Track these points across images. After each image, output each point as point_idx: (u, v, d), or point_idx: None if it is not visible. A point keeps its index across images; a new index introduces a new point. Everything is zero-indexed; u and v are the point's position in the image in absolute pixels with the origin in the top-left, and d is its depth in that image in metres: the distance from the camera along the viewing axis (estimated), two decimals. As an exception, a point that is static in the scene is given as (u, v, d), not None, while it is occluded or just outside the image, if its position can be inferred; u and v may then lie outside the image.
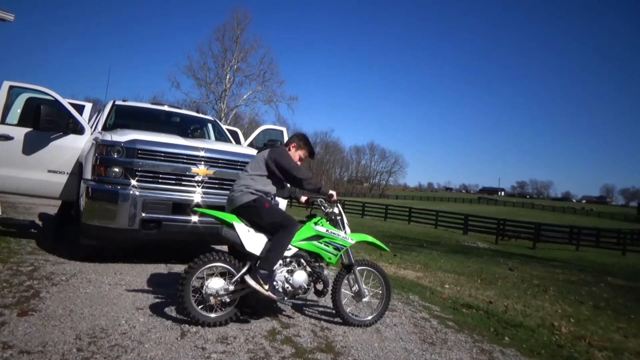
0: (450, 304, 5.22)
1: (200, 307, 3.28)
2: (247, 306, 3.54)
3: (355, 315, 3.81)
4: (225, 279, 3.33)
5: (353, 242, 3.74)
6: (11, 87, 5.57)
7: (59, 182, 5.49)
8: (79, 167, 5.32)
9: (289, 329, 3.49)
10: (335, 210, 3.77)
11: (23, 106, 5.77)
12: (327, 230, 3.64)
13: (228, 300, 3.32)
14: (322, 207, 3.84)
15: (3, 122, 5.41)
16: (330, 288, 3.72)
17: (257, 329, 3.39)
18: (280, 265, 3.47)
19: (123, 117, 6.33)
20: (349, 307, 3.86)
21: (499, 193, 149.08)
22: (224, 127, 7.41)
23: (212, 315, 3.30)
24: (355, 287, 3.81)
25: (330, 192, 3.69)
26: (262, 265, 3.32)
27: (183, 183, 4.80)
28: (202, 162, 4.86)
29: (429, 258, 10.65)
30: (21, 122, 5.51)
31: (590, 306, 6.56)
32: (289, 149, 3.80)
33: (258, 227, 3.44)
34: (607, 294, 8.19)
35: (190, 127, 7.07)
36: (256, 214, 3.41)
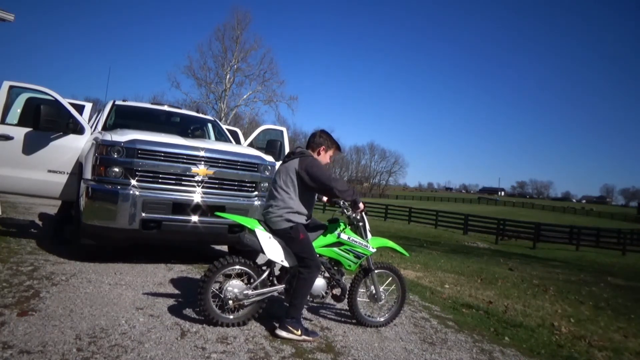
0: (450, 304, 5.22)
1: (219, 308, 3.32)
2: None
3: (370, 317, 3.82)
4: (244, 281, 3.34)
5: (374, 250, 3.70)
6: (11, 87, 5.57)
7: (59, 182, 5.49)
8: (79, 167, 5.32)
9: (289, 329, 3.49)
10: (358, 216, 3.72)
11: (23, 106, 5.77)
12: (349, 238, 3.60)
13: (247, 303, 3.35)
14: (345, 210, 3.78)
15: (3, 122, 5.41)
16: (347, 293, 3.71)
17: (257, 329, 3.39)
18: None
19: (123, 117, 6.33)
20: (363, 307, 3.87)
21: (499, 193, 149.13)
22: (224, 127, 7.41)
23: (231, 316, 3.35)
24: (372, 290, 3.80)
25: (361, 204, 3.63)
26: (290, 313, 3.29)
27: (183, 183, 4.80)
28: (202, 162, 4.86)
29: (429, 258, 10.65)
30: (21, 122, 5.51)
31: (590, 306, 6.56)
32: (318, 153, 3.59)
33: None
34: (607, 294, 8.19)
35: (190, 127, 7.07)
36: (290, 241, 3.37)
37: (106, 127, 5.81)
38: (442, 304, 5.09)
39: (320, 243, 3.52)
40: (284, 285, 3.45)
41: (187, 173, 4.80)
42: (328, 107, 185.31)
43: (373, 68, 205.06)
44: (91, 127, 5.94)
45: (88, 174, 4.75)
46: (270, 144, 6.53)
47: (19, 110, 5.73)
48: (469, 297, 5.98)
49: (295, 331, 3.23)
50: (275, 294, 3.47)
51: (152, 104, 7.11)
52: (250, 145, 6.98)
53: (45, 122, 5.20)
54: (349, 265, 3.62)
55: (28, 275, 4.15)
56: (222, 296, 3.27)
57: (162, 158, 4.71)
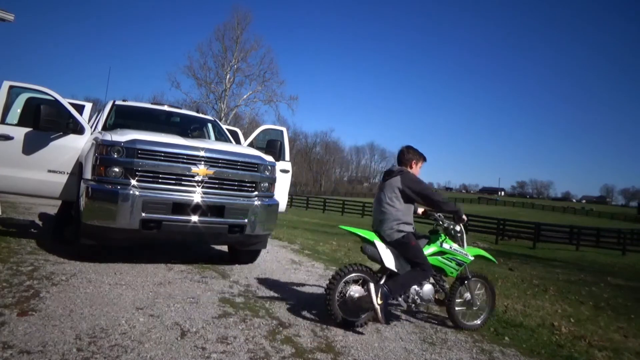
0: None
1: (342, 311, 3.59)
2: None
3: (466, 321, 4.05)
4: (363, 287, 3.62)
5: (472, 258, 4.02)
6: (11, 87, 5.57)
7: (59, 182, 5.49)
8: (79, 167, 5.32)
9: (289, 329, 3.49)
10: (458, 228, 4.01)
11: (23, 106, 5.77)
12: (451, 247, 3.93)
13: (366, 306, 3.54)
14: (441, 222, 4.08)
15: (3, 122, 5.41)
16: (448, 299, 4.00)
17: (257, 329, 3.39)
18: None
19: (123, 117, 6.33)
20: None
21: (499, 193, 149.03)
22: (224, 127, 7.41)
23: (353, 318, 3.60)
24: (467, 297, 4.07)
25: (464, 216, 3.98)
26: (392, 286, 3.58)
27: (183, 183, 4.80)
28: (202, 162, 4.86)
29: (429, 258, 10.65)
30: (21, 122, 5.51)
31: (590, 306, 6.56)
32: (411, 167, 3.95)
33: (396, 250, 3.76)
34: (607, 294, 8.19)
35: (190, 127, 7.07)
36: (404, 249, 3.71)
37: (106, 127, 5.81)
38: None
39: (424, 252, 3.81)
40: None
41: (187, 173, 4.80)
42: (328, 107, 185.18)
43: (373, 68, 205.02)
44: (91, 127, 5.94)
45: (88, 174, 4.75)
46: (270, 144, 6.53)
47: (19, 110, 5.73)
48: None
49: (378, 299, 3.44)
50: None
51: (152, 104, 7.11)
52: (250, 145, 6.98)
53: (45, 122, 5.20)
54: (451, 272, 3.94)
55: (28, 275, 4.15)
56: (345, 300, 3.58)
57: (162, 158, 4.71)
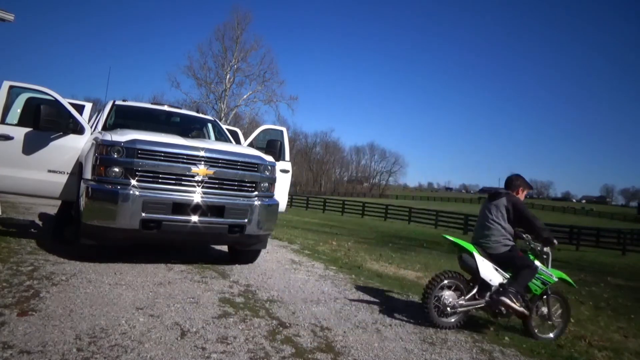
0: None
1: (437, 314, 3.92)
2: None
3: (539, 334, 4.18)
4: (455, 292, 3.97)
5: (556, 279, 4.25)
6: (11, 87, 5.57)
7: (59, 182, 5.49)
8: (79, 167, 5.33)
9: (289, 329, 3.50)
10: (545, 249, 4.25)
11: (23, 106, 5.77)
12: (539, 268, 4.17)
13: (458, 311, 3.96)
14: (528, 242, 4.34)
15: (3, 122, 5.41)
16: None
17: (257, 329, 3.39)
18: None
19: (123, 117, 6.33)
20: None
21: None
22: (224, 127, 7.41)
23: (446, 319, 3.93)
24: (544, 311, 4.24)
25: (555, 241, 4.25)
26: (513, 285, 3.99)
27: (183, 183, 4.80)
28: (202, 162, 4.86)
29: (429, 258, 10.65)
30: (21, 122, 5.51)
31: (590, 306, 6.55)
32: (517, 193, 4.34)
33: (497, 262, 4.12)
34: (607, 294, 8.18)
35: (190, 127, 7.08)
36: (510, 260, 4.11)
37: (106, 127, 5.81)
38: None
39: None
40: (484, 301, 4.02)
41: (187, 173, 4.80)
42: (328, 107, 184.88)
43: (373, 68, 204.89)
44: (91, 127, 5.94)
45: (88, 174, 4.75)
46: (270, 144, 6.53)
47: (19, 110, 5.73)
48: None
49: (516, 302, 3.92)
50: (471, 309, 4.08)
51: (152, 104, 7.11)
52: (250, 145, 6.98)
53: (45, 122, 5.20)
54: (535, 290, 4.18)
55: (28, 275, 4.15)
56: (440, 304, 3.91)
57: (162, 158, 4.71)
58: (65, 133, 5.52)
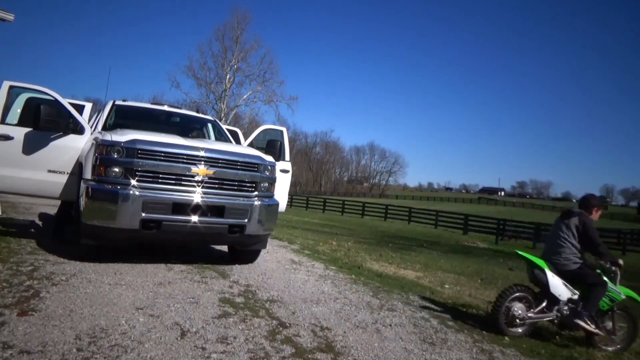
0: (451, 304, 5.22)
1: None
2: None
3: (603, 346, 4.24)
4: (524, 304, 4.17)
5: (624, 297, 4.36)
6: (11, 87, 5.57)
7: (59, 182, 5.49)
8: (79, 167, 5.32)
9: (289, 329, 3.50)
10: (613, 268, 4.35)
11: (23, 106, 5.77)
12: (608, 285, 4.29)
13: (526, 323, 4.13)
14: (597, 262, 4.46)
15: (3, 122, 5.41)
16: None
17: (257, 329, 3.39)
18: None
19: (123, 117, 6.33)
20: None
21: (499, 193, 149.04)
22: (224, 127, 7.41)
23: (512, 329, 4.08)
24: (609, 325, 4.34)
25: (621, 261, 4.38)
26: (586, 308, 4.14)
27: (183, 183, 4.79)
28: (202, 162, 4.86)
29: (429, 258, 10.65)
30: (21, 122, 5.51)
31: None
32: (591, 213, 4.43)
33: (566, 278, 4.26)
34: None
35: (190, 127, 7.07)
36: (581, 277, 4.25)
37: (106, 127, 5.81)
38: (442, 304, 5.09)
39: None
40: (554, 314, 4.20)
41: (187, 173, 4.80)
42: (328, 107, 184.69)
43: (373, 68, 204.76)
44: (91, 127, 5.94)
45: (88, 174, 4.75)
46: (270, 144, 6.53)
47: (19, 110, 5.73)
48: (469, 297, 5.97)
49: (590, 324, 4.07)
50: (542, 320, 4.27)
51: (152, 104, 7.11)
52: (250, 145, 6.98)
53: (45, 122, 5.20)
54: (603, 306, 4.29)
55: (28, 275, 4.15)
56: (509, 314, 4.09)
57: (162, 158, 4.71)
58: (65, 133, 5.52)
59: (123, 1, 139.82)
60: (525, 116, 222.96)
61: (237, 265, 5.67)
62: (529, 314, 4.13)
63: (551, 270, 4.24)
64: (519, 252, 4.59)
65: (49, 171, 5.45)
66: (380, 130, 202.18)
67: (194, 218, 4.75)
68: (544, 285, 4.21)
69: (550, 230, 4.64)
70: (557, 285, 4.20)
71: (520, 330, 4.12)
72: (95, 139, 4.88)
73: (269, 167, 5.37)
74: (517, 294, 4.18)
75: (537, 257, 4.36)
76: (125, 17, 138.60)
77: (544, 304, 4.18)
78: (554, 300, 4.18)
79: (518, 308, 4.12)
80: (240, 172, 5.11)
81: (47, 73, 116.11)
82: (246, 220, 5.00)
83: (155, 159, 4.68)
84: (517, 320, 4.08)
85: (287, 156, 7.49)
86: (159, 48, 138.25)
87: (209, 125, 7.15)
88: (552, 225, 4.57)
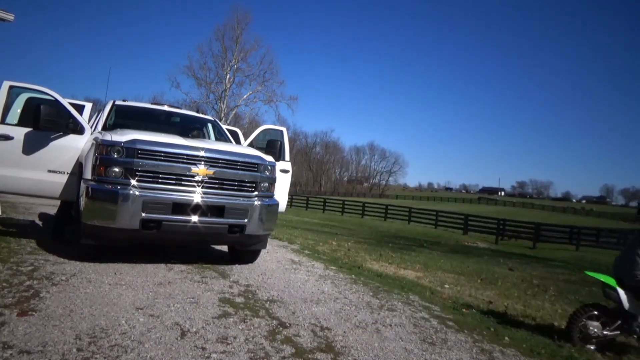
0: (450, 304, 5.22)
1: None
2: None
3: None
4: (600, 323, 4.29)
5: None
6: (11, 87, 5.57)
7: (59, 182, 5.49)
8: (79, 167, 5.32)
9: (289, 329, 3.50)
10: None
11: (23, 106, 5.77)
12: None
13: (600, 340, 4.25)
14: None
15: (3, 122, 5.41)
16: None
17: (257, 329, 3.39)
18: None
19: (123, 117, 6.33)
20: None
21: (499, 193, 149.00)
22: (224, 127, 7.41)
23: (587, 346, 4.20)
24: None
25: None
26: None
27: (183, 183, 4.79)
28: (202, 162, 4.86)
29: (429, 258, 10.65)
30: (21, 122, 5.51)
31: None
32: None
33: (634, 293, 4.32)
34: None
35: (190, 127, 7.07)
36: None
37: (106, 127, 5.81)
38: (442, 304, 5.09)
39: None
40: (632, 330, 4.27)
41: (187, 173, 4.80)
42: (328, 107, 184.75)
43: (373, 68, 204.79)
44: (91, 127, 5.94)
45: (88, 174, 4.75)
46: (270, 144, 6.53)
47: (19, 110, 5.72)
48: (469, 297, 5.98)
49: None
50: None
51: (152, 104, 7.11)
52: (250, 145, 6.98)
53: (45, 122, 5.20)
54: None
55: (28, 275, 4.15)
56: (585, 331, 4.24)
57: (162, 158, 4.71)
58: (65, 133, 5.52)
59: (123, 1, 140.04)
60: (525, 116, 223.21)
61: (237, 265, 5.67)
62: (605, 332, 4.27)
63: (623, 287, 4.30)
64: (590, 274, 4.68)
65: (49, 171, 5.46)
66: (380, 130, 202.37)
67: (194, 218, 4.75)
68: (617, 302, 4.31)
69: (626, 245, 4.69)
70: (629, 301, 4.27)
71: (593, 347, 4.22)
72: (95, 139, 4.88)
73: (269, 167, 5.37)
74: (594, 312, 4.32)
75: (607, 276, 4.43)
76: (125, 17, 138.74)
77: (619, 322, 4.28)
78: (630, 316, 4.27)
79: (594, 327, 4.26)
80: (240, 172, 5.11)
81: (47, 73, 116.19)
82: (246, 220, 5.00)
83: (155, 159, 4.68)
84: (593, 340, 4.23)
85: (287, 156, 7.49)
86: (159, 48, 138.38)
87: (209, 125, 7.15)
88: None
